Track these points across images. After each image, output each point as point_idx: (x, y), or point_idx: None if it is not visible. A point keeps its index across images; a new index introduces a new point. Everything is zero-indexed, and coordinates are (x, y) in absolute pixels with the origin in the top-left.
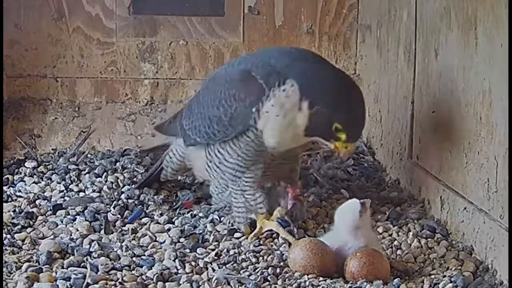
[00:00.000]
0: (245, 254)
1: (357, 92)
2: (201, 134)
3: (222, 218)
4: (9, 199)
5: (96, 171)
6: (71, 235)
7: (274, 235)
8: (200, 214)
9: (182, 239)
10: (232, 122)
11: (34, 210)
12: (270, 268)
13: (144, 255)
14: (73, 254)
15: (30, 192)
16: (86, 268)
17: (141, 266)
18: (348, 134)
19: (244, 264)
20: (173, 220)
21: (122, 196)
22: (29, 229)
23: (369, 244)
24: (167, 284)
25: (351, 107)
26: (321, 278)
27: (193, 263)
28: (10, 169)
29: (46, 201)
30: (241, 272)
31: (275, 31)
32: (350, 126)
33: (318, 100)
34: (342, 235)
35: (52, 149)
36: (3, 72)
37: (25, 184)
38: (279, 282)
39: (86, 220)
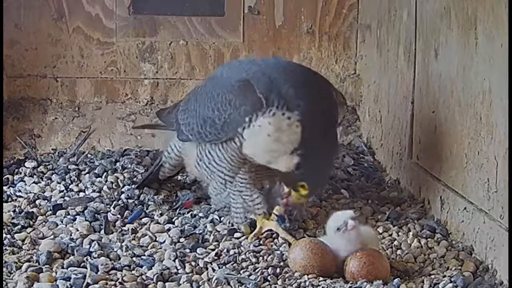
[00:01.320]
0: (245, 254)
1: (334, 152)
2: (194, 132)
3: (222, 218)
4: (9, 199)
5: (96, 171)
6: (71, 235)
7: (274, 235)
8: (200, 214)
9: (182, 239)
10: (224, 127)
11: (34, 210)
12: (270, 268)
13: (144, 255)
14: (73, 254)
15: (30, 192)
16: (86, 268)
17: (141, 266)
18: (308, 193)
19: (244, 264)
20: (173, 220)
21: (122, 196)
22: (29, 229)
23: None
24: (167, 284)
25: (322, 171)
26: (321, 278)
27: (193, 263)
28: (10, 169)
29: (46, 201)
30: (241, 272)
31: (275, 31)
32: (313, 187)
33: (304, 165)
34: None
35: (52, 149)
36: (3, 72)
37: (25, 184)
38: (279, 282)
39: (86, 220)
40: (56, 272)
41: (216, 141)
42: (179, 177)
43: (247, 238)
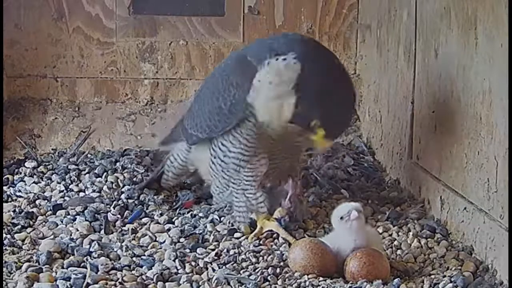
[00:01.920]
0: (245, 254)
1: (343, 92)
2: (203, 129)
3: (222, 218)
4: (9, 199)
5: (96, 171)
6: (71, 235)
7: (274, 235)
8: (200, 214)
9: (182, 239)
10: (232, 109)
11: (34, 210)
12: (270, 268)
13: (144, 255)
14: (73, 254)
15: (30, 192)
16: (86, 268)
17: (141, 266)
18: (325, 132)
19: (244, 264)
20: (173, 220)
21: (122, 196)
22: (29, 229)
23: (370, 245)
24: (167, 284)
25: (333, 109)
26: (321, 278)
27: (193, 263)
28: (10, 169)
29: (46, 201)
30: (241, 272)
31: (275, 31)
32: (329, 126)
33: (305, 97)
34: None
35: (52, 149)
36: (3, 72)
37: (25, 184)
38: (279, 282)
39: (86, 220)
40: (56, 272)
41: (227, 127)
42: None
43: (247, 238)
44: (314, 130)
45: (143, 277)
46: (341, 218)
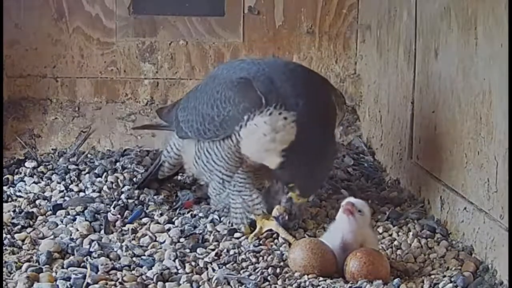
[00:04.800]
0: (245, 254)
1: (326, 157)
2: (193, 129)
3: (222, 218)
4: (9, 199)
5: (96, 171)
6: (71, 235)
7: (274, 235)
8: (200, 214)
9: (182, 239)
10: (223, 124)
11: (34, 210)
12: (270, 268)
13: (144, 255)
14: (73, 254)
15: (30, 192)
16: (86, 268)
17: (141, 266)
18: (300, 193)
19: (244, 264)
20: (173, 220)
21: (122, 196)
22: (29, 229)
23: (367, 244)
24: (167, 284)
25: (311, 175)
26: (321, 278)
27: (193, 263)
28: (10, 169)
29: (46, 201)
30: (241, 272)
31: (275, 31)
32: (303, 189)
33: (292, 161)
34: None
35: (52, 149)
36: (3, 72)
37: (25, 184)
38: (279, 282)
39: (86, 220)
40: (56, 272)
41: (215, 138)
42: (179, 177)
43: (247, 238)
44: (290, 189)
45: (143, 277)
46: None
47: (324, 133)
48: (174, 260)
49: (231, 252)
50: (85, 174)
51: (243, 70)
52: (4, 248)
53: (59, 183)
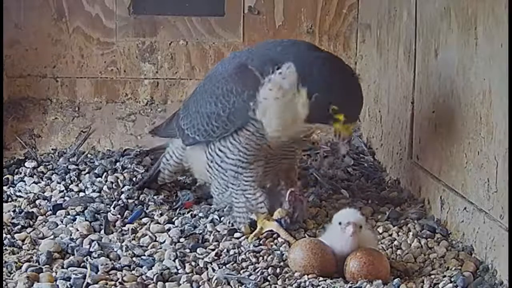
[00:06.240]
0: (245, 254)
1: (350, 74)
2: (200, 132)
3: (222, 218)
4: (9, 199)
5: (96, 171)
6: (71, 235)
7: (274, 235)
8: (200, 214)
9: (182, 239)
10: (230, 117)
11: (34, 210)
12: (270, 268)
13: (144, 255)
14: (73, 254)
15: (30, 192)
16: (86, 268)
17: (141, 266)
18: (345, 115)
19: (244, 264)
20: (173, 220)
21: (122, 196)
22: (29, 229)
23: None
24: (167, 284)
25: (345, 88)
26: (321, 278)
27: (193, 263)
28: (10, 169)
29: (46, 201)
30: (241, 272)
31: (275, 31)
32: (347, 107)
33: (315, 86)
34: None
35: (52, 149)
36: (3, 72)
37: (25, 184)
38: (279, 282)
39: (86, 220)
40: (56, 272)
41: (225, 134)
42: (179, 177)
43: (247, 238)
44: (333, 117)
45: (143, 277)
46: (340, 223)
47: (331, 57)
48: (174, 260)
49: (231, 252)
50: (85, 174)
51: (235, 58)
52: (4, 248)
53: (59, 183)
